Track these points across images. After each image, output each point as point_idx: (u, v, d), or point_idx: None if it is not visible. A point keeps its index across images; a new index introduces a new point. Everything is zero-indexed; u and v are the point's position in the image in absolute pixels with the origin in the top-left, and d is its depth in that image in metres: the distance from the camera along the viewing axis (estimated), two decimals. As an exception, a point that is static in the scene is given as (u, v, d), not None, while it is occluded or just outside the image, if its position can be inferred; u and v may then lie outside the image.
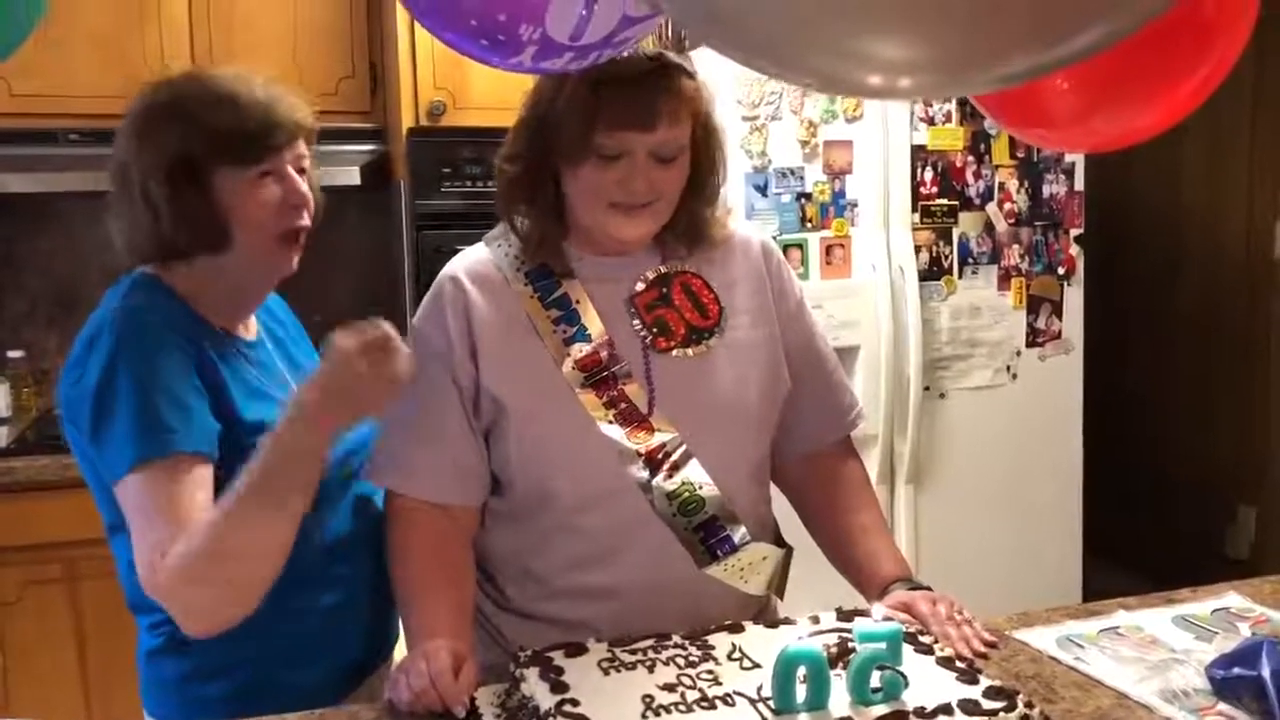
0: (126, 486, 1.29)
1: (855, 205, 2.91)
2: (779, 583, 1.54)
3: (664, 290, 1.49)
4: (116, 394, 1.30)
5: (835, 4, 0.70)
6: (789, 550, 1.55)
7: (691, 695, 1.13)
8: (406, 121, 2.92)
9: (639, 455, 1.42)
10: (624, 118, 1.36)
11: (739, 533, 1.46)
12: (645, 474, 1.42)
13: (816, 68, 0.81)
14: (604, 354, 1.44)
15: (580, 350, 1.43)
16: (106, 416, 1.30)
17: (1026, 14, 0.72)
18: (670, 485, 1.42)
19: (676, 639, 1.26)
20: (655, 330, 1.46)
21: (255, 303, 1.52)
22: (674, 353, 1.46)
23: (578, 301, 1.45)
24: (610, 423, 1.42)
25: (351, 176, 2.93)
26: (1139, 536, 3.97)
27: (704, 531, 1.44)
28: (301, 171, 1.45)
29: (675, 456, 1.43)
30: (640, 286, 1.48)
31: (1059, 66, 0.82)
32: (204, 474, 1.31)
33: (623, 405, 1.43)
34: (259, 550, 1.27)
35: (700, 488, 1.43)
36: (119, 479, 1.29)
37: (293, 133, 1.42)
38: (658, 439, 1.43)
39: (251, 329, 1.52)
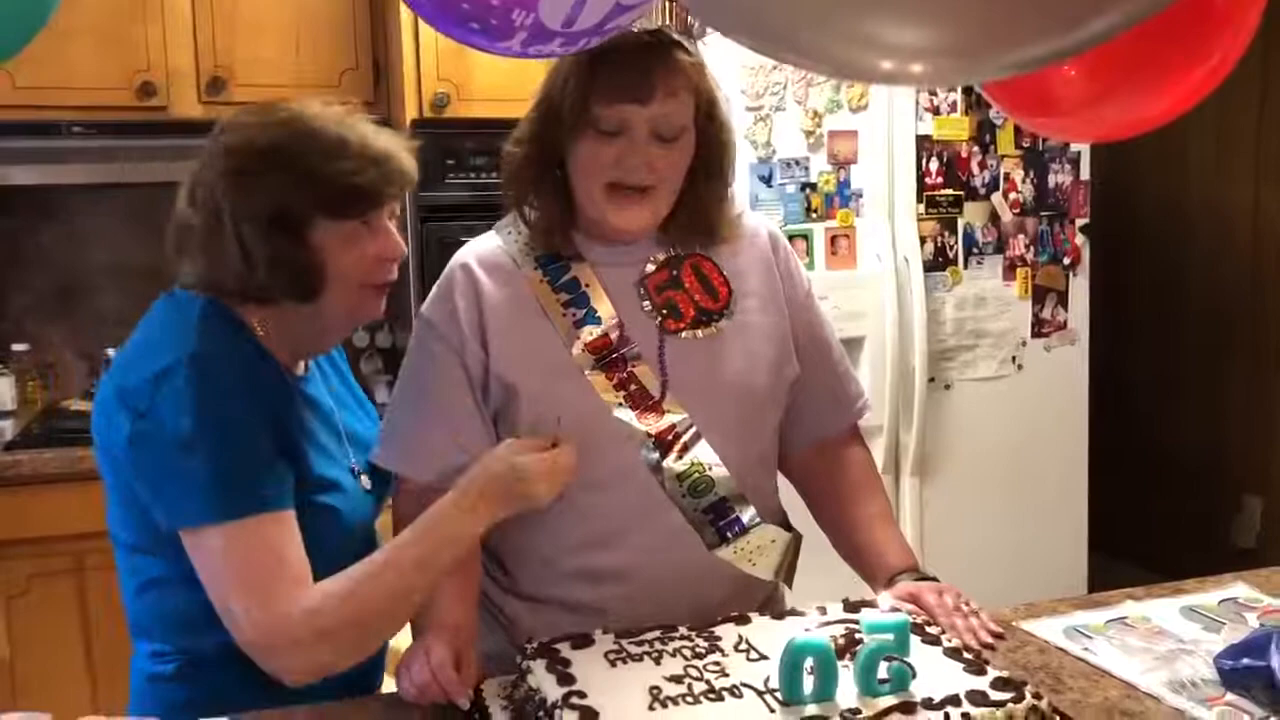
0: (209, 538, 1.25)
1: (860, 195, 2.90)
2: (788, 569, 1.53)
3: (674, 272, 1.48)
4: (200, 446, 1.25)
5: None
6: (797, 536, 1.55)
7: (699, 687, 1.13)
8: (410, 114, 2.92)
9: (649, 437, 1.42)
10: (620, 90, 1.36)
11: (748, 514, 1.46)
12: (655, 455, 1.42)
13: (829, 53, 0.81)
14: (614, 336, 1.44)
15: (590, 333, 1.43)
16: (184, 466, 1.25)
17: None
18: (680, 466, 1.42)
19: (683, 630, 1.26)
20: (665, 312, 1.46)
21: (327, 347, 1.50)
22: (683, 334, 1.46)
23: (587, 285, 1.45)
24: (620, 404, 1.42)
25: (355, 168, 2.93)
26: (1144, 527, 3.97)
27: (713, 513, 1.44)
28: (392, 217, 1.41)
29: (685, 438, 1.43)
30: (651, 268, 1.48)
31: (1074, 52, 0.81)
32: (294, 527, 1.29)
33: (632, 387, 1.43)
34: (396, 619, 1.31)
35: (710, 468, 1.43)
36: (192, 528, 1.26)
37: (401, 188, 1.39)
38: (667, 420, 1.43)
39: (301, 364, 1.48)
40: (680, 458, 1.42)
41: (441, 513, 1.29)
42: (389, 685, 1.49)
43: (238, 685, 1.33)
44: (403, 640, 1.48)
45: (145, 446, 1.28)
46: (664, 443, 1.42)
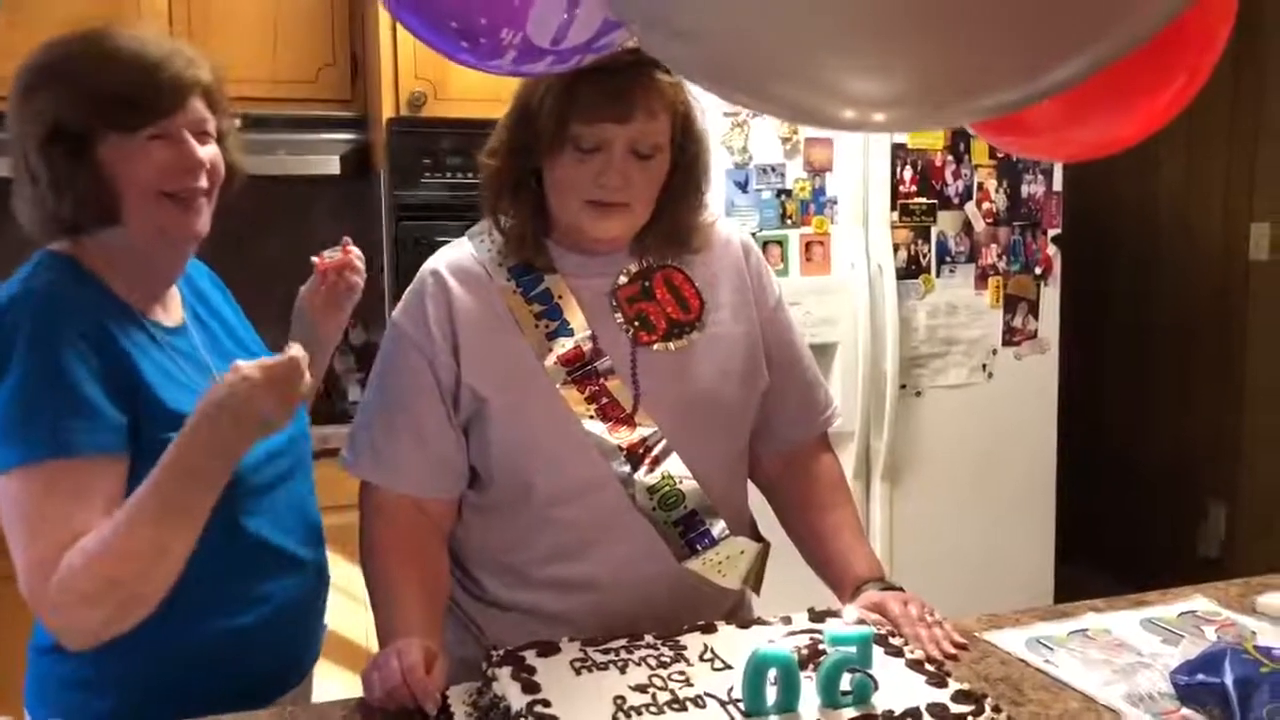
0: (9, 483, 1.21)
1: (835, 203, 2.92)
2: (756, 578, 1.54)
3: (646, 284, 1.49)
4: (6, 385, 1.21)
5: (805, 36, 0.69)
6: (766, 545, 1.56)
7: (663, 696, 1.14)
8: (387, 111, 2.91)
9: (620, 450, 1.42)
10: (599, 108, 1.36)
11: (718, 527, 1.47)
12: (626, 469, 1.42)
13: (791, 101, 0.80)
14: (587, 349, 1.44)
15: (563, 345, 1.44)
16: None
17: (1008, 47, 0.71)
18: (651, 479, 1.43)
19: (649, 639, 1.27)
20: (636, 324, 1.47)
21: (166, 278, 1.40)
22: (655, 347, 1.47)
23: (560, 297, 1.46)
24: (591, 418, 1.42)
25: (331, 165, 2.92)
26: (1112, 535, 4.01)
27: (683, 526, 1.45)
28: (204, 135, 1.33)
29: (656, 451, 1.43)
30: (623, 280, 1.48)
31: (1038, 99, 0.81)
32: (106, 474, 1.24)
33: (604, 400, 1.43)
34: (160, 571, 1.22)
35: (680, 482, 1.44)
36: (1, 473, 1.22)
37: (183, 94, 1.30)
38: (639, 433, 1.43)
39: (174, 314, 1.41)
40: (651, 471, 1.43)
41: (175, 453, 1.21)
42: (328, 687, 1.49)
43: (127, 665, 1.29)
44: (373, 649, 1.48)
45: None
46: (635, 456, 1.42)
